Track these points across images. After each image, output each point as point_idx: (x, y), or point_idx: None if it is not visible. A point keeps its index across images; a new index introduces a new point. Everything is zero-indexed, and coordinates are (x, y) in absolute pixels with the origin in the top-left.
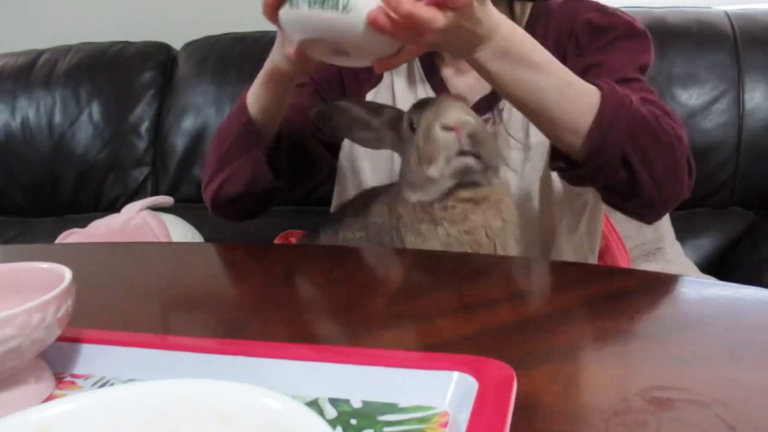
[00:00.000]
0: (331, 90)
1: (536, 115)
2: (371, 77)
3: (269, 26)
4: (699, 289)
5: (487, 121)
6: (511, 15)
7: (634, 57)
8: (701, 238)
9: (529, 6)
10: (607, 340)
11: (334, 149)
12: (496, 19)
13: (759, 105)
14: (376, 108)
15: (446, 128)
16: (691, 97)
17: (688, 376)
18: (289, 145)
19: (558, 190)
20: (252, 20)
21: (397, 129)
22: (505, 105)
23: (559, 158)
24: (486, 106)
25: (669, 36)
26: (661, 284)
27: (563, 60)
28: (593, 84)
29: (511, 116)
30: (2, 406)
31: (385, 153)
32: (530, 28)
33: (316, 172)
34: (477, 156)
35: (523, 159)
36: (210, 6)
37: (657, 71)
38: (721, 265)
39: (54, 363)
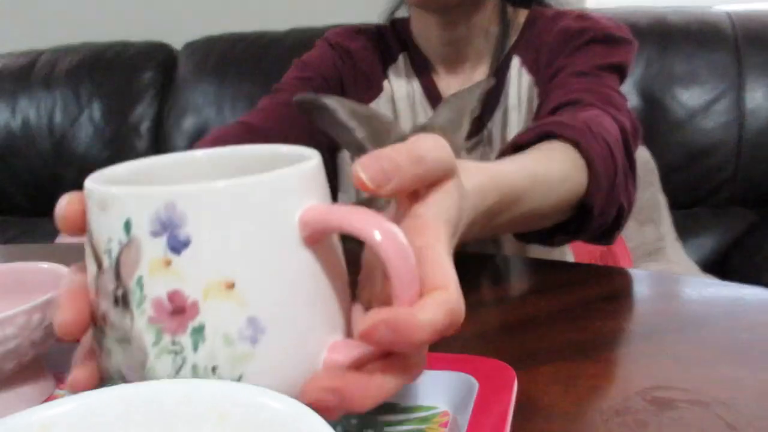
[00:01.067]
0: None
1: (523, 229)
2: (372, 87)
3: (269, 26)
4: (700, 288)
5: (476, 144)
6: (503, 20)
7: (601, 57)
8: (702, 238)
9: (524, 13)
10: (608, 340)
11: (333, 151)
12: (474, 207)
13: (760, 105)
14: (364, 117)
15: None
16: (691, 96)
17: (689, 376)
18: None
19: None
20: (252, 20)
21: (381, 145)
22: (493, 125)
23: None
24: (475, 128)
25: (669, 36)
26: (662, 284)
27: (537, 74)
28: (564, 130)
29: (501, 135)
30: (2, 406)
31: None
32: (521, 37)
33: None
34: None
35: None
36: (210, 6)
37: (657, 71)
38: (722, 265)
39: (54, 363)
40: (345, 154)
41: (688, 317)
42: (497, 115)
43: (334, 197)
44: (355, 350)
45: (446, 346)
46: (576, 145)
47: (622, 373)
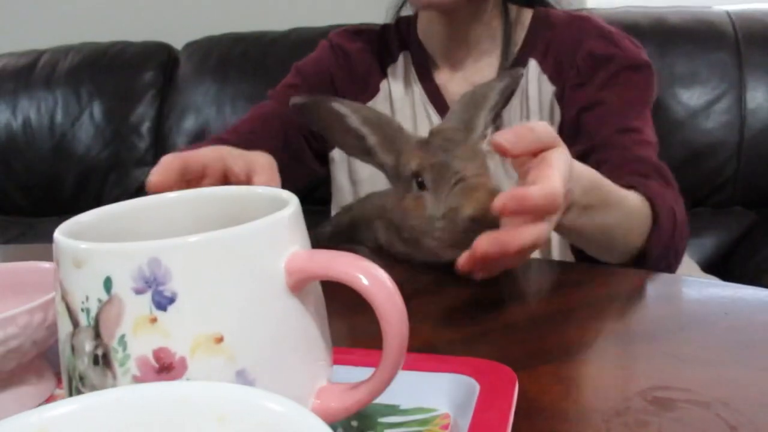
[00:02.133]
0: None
1: (597, 246)
2: (368, 88)
3: (270, 26)
4: (700, 288)
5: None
6: (506, 18)
7: (636, 95)
8: (703, 238)
9: (529, 13)
10: (608, 341)
11: (323, 159)
12: (576, 178)
13: (760, 104)
14: (376, 124)
15: (477, 222)
16: (692, 96)
17: (690, 376)
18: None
19: None
20: (253, 20)
21: (393, 153)
22: (511, 117)
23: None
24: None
25: (670, 36)
26: (663, 284)
27: (562, 88)
28: (641, 189)
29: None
30: (3, 406)
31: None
32: (531, 37)
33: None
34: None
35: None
36: (211, 6)
37: (658, 71)
38: (722, 265)
39: (55, 363)
40: (336, 155)
41: (689, 317)
42: (514, 104)
43: (328, 202)
44: (348, 398)
45: (447, 346)
46: (649, 200)
47: (622, 374)
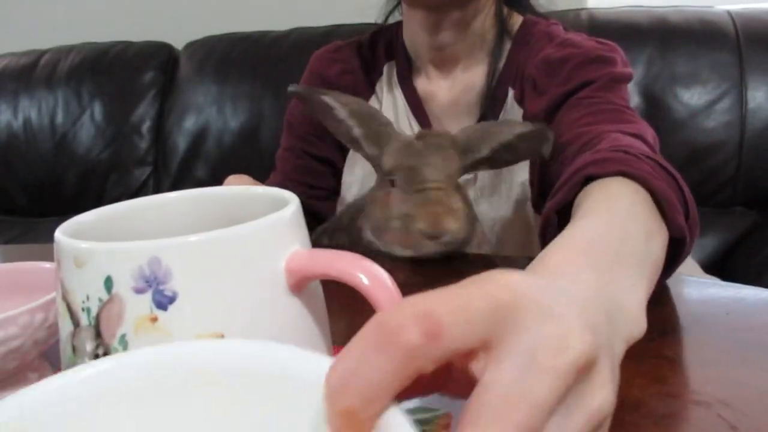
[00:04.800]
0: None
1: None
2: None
3: (270, 26)
4: (701, 289)
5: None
6: (500, 20)
7: (596, 76)
8: (704, 238)
9: (519, 19)
10: None
11: (337, 195)
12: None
13: (761, 104)
14: (364, 116)
15: (426, 236)
16: (693, 96)
17: (690, 376)
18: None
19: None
20: (254, 20)
21: (377, 147)
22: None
23: None
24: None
25: (671, 35)
26: (663, 284)
27: (520, 99)
28: (603, 167)
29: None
30: None
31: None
32: (511, 60)
33: (323, 222)
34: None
35: (498, 206)
36: (211, 6)
37: (659, 71)
38: (723, 265)
39: (56, 363)
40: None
41: (690, 317)
42: None
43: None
44: None
45: None
46: (622, 174)
47: (622, 374)
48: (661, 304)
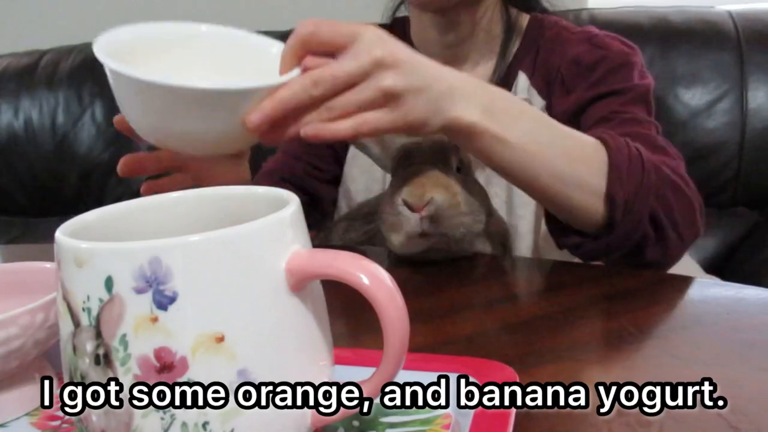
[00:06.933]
0: None
1: (543, 180)
2: None
3: (270, 26)
4: (702, 289)
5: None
6: (507, 20)
7: (626, 88)
8: (704, 238)
9: (526, 19)
10: (609, 341)
11: (336, 183)
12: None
13: (762, 104)
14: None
15: (408, 206)
16: (693, 96)
17: (691, 376)
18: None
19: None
20: (253, 20)
21: (379, 144)
22: None
23: (570, 234)
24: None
25: (672, 35)
26: (664, 284)
27: (549, 100)
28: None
29: None
30: (5, 406)
31: (378, 174)
32: (523, 49)
33: (322, 208)
34: (441, 234)
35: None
36: (211, 6)
37: (659, 71)
38: (724, 265)
39: (57, 363)
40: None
41: (690, 317)
42: None
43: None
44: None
45: (447, 346)
46: (602, 141)
47: (623, 374)
48: (661, 303)
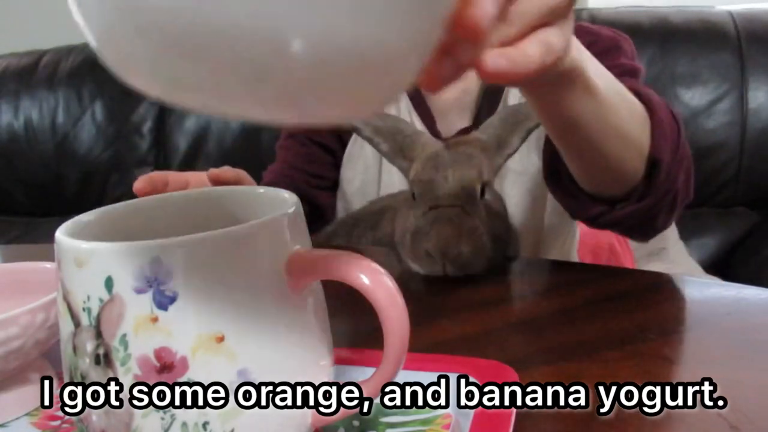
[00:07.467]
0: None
1: (608, 136)
2: None
3: None
4: (702, 289)
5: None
6: None
7: (616, 65)
8: (705, 238)
9: None
10: (608, 340)
11: (335, 190)
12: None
13: (762, 104)
14: (389, 133)
15: (433, 257)
16: (694, 96)
17: (691, 376)
18: None
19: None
20: None
21: (406, 159)
22: None
23: (596, 204)
24: (473, 125)
25: (672, 35)
26: (664, 284)
27: None
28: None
29: None
30: (5, 406)
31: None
32: None
33: (325, 217)
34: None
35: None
36: None
37: (660, 71)
38: (724, 265)
39: (57, 363)
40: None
41: (691, 317)
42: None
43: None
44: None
45: (448, 346)
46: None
47: (623, 374)
48: (661, 303)
